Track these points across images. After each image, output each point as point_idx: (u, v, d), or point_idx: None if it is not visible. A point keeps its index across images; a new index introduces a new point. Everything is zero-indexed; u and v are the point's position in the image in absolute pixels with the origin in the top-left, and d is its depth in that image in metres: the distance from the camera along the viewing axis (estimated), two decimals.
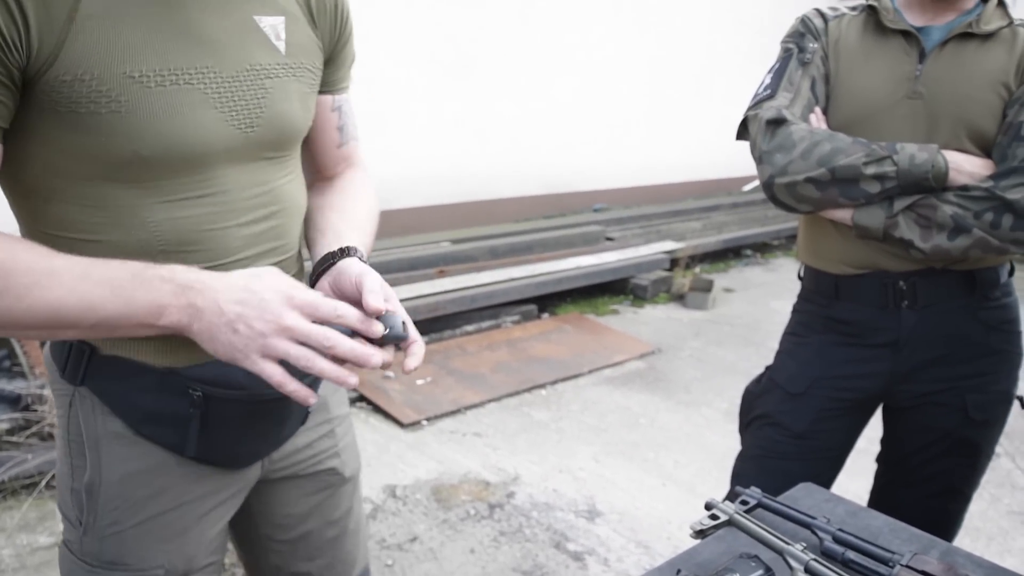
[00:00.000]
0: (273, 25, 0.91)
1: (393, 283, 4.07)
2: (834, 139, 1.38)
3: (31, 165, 0.83)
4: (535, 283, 4.49)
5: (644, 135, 6.54)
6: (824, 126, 1.45)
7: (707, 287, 5.00)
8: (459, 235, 5.06)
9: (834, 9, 1.53)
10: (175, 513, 0.97)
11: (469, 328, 4.24)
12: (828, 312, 1.54)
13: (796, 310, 1.64)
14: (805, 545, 0.92)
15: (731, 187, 7.67)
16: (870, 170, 1.34)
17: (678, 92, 6.68)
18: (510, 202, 5.76)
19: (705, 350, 4.23)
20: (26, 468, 2.49)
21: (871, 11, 1.46)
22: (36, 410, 2.76)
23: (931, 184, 1.33)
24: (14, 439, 2.75)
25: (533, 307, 4.55)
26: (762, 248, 6.59)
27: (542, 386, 3.62)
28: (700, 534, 0.98)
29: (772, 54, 1.57)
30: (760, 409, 1.62)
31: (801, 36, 1.52)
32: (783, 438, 1.57)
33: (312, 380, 0.96)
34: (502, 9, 5.33)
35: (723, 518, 0.99)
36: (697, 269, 5.47)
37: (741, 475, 1.64)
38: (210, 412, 0.93)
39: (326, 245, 0.99)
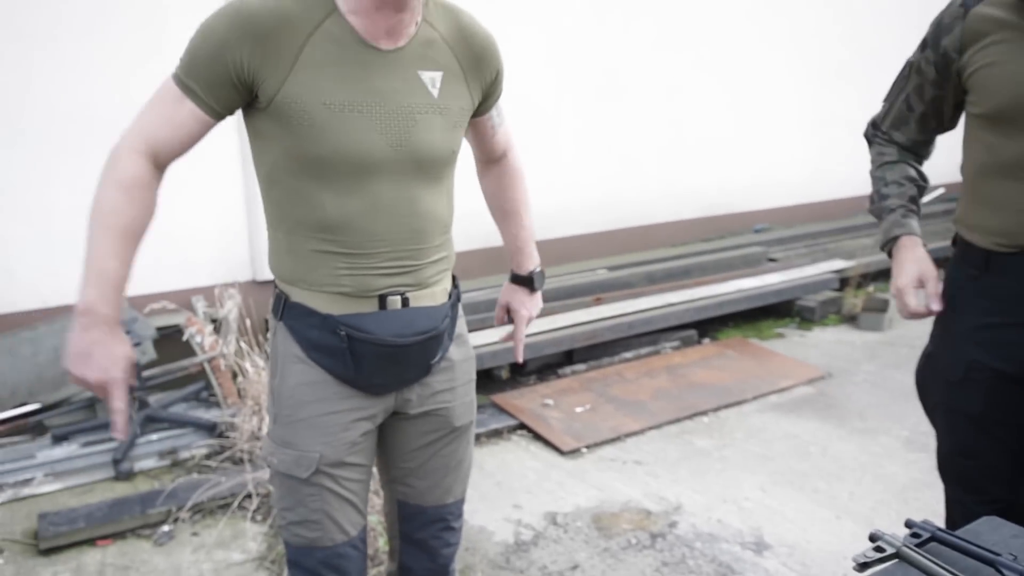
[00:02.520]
0: (432, 77, 1.29)
1: (550, 311, 4.12)
2: (878, 173, 1.66)
3: (267, 160, 1.27)
4: (694, 308, 4.39)
5: (805, 150, 6.27)
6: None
7: (882, 307, 4.69)
8: (615, 262, 5.05)
9: None
10: (329, 417, 1.34)
11: (627, 355, 4.21)
12: (977, 284, 1.51)
13: (947, 278, 1.61)
14: None
15: None
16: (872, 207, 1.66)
17: (839, 102, 6.35)
18: (665, 227, 5.68)
19: (881, 374, 3.96)
20: (220, 490, 2.73)
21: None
22: (229, 437, 3.03)
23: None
24: (210, 463, 3.03)
25: (693, 332, 4.45)
26: (944, 263, 6.10)
27: (704, 413, 3.53)
28: (863, 567, 0.92)
29: None
30: (934, 397, 1.62)
31: (919, 45, 1.56)
32: (964, 421, 1.54)
33: (433, 338, 1.37)
34: (648, 32, 5.32)
35: (889, 551, 0.93)
36: (870, 288, 5.15)
37: (945, 467, 1.64)
38: (353, 348, 1.29)
39: (514, 256, 1.67)
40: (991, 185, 1.46)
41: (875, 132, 1.70)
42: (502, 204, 1.64)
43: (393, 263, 1.30)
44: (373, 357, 1.31)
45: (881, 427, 3.36)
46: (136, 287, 3.65)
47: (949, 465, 1.62)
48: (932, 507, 2.66)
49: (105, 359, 1.20)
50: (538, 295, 1.71)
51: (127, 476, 2.96)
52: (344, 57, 1.20)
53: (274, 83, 1.18)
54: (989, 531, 1.05)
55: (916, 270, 1.51)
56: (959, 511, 1.57)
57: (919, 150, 1.67)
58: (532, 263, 1.68)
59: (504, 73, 1.46)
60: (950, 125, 1.60)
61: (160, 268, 3.75)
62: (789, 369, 4.01)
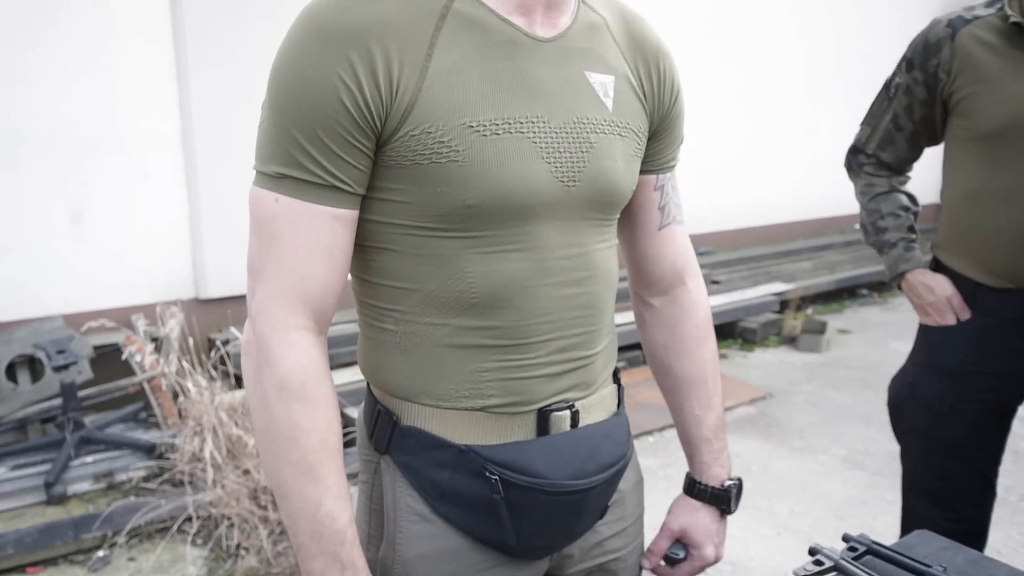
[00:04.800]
0: (603, 82, 0.90)
1: None
2: (871, 205, 1.66)
3: (366, 222, 0.85)
4: None
5: (748, 175, 6.44)
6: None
7: (820, 329, 4.82)
8: None
9: (968, 10, 1.48)
10: None
11: None
12: (966, 320, 1.54)
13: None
14: None
15: (843, 225, 7.40)
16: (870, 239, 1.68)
17: (782, 128, 6.56)
18: None
19: (820, 394, 4.07)
20: (159, 513, 2.65)
21: (1016, 27, 1.40)
22: (169, 458, 2.95)
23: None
24: (149, 486, 2.94)
25: (639, 353, 4.51)
26: (879, 287, 6.31)
27: (649, 432, 3.57)
28: None
29: (876, 86, 1.60)
30: (912, 423, 1.63)
31: (901, 65, 1.56)
32: (942, 449, 1.58)
33: (620, 471, 0.97)
34: None
35: (828, 564, 0.96)
36: (809, 310, 5.29)
37: (915, 484, 1.66)
38: (510, 498, 0.87)
39: (696, 453, 1.10)
40: (978, 213, 1.48)
41: (860, 160, 1.69)
42: (676, 367, 1.10)
43: (560, 356, 0.89)
44: (538, 511, 0.89)
45: (820, 446, 3.45)
46: (73, 304, 3.56)
47: (920, 484, 1.64)
48: (868, 523, 2.74)
49: None
50: (726, 523, 1.11)
51: (60, 500, 2.86)
52: (488, 48, 0.82)
53: (402, 106, 0.78)
54: (921, 544, 1.09)
55: (942, 295, 1.54)
56: (924, 526, 1.54)
57: (904, 167, 1.68)
58: (724, 467, 1.09)
59: (684, 107, 1.04)
60: (940, 139, 1.60)
61: (98, 285, 3.66)
62: (731, 389, 4.09)
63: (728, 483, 1.09)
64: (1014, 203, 1.42)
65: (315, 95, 0.76)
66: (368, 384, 0.96)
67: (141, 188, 3.70)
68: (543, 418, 0.89)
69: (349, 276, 0.89)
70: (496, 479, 0.86)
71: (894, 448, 3.31)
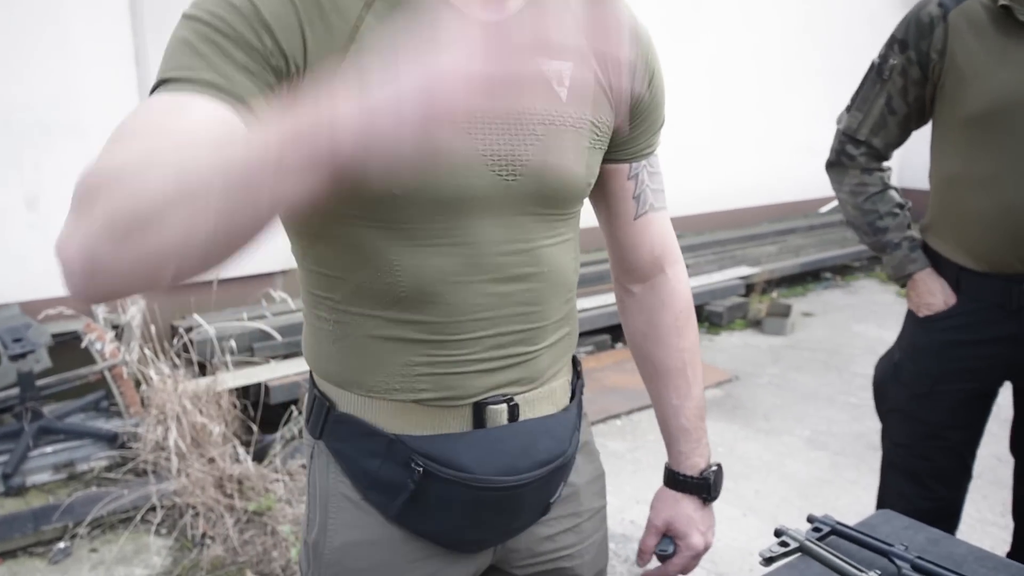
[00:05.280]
0: (557, 70, 0.82)
1: None
2: (867, 205, 1.64)
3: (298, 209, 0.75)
4: (607, 313, 4.47)
5: (714, 159, 6.48)
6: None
7: (785, 312, 4.88)
8: None
9: None
10: None
11: None
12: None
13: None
14: (881, 574, 0.89)
15: (807, 209, 7.50)
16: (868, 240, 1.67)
17: (747, 113, 6.60)
18: (580, 233, 5.76)
19: (784, 376, 4.13)
20: (122, 503, 2.61)
21: (1005, 10, 1.40)
22: (131, 447, 2.90)
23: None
24: (111, 475, 2.89)
25: (606, 337, 4.53)
26: (842, 271, 6.41)
27: (617, 416, 3.59)
28: (769, 561, 0.96)
29: (845, 72, 1.59)
30: (893, 403, 1.66)
31: (892, 46, 1.53)
32: (923, 429, 1.61)
33: (560, 468, 0.93)
34: None
35: (793, 545, 0.97)
36: (774, 294, 5.35)
37: (894, 462, 1.69)
38: (429, 489, 0.86)
39: (675, 443, 1.09)
40: (960, 197, 1.49)
41: (850, 151, 1.64)
42: (654, 355, 1.09)
43: (496, 352, 0.86)
44: (464, 505, 0.87)
45: (784, 427, 3.50)
46: (30, 291, 3.47)
47: (900, 462, 1.66)
48: (831, 502, 2.79)
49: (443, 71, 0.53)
50: (711, 510, 1.10)
51: (18, 491, 2.80)
52: (419, 34, 0.75)
53: (324, 64, 0.72)
54: (883, 523, 1.11)
55: (941, 300, 1.56)
56: (901, 504, 1.53)
57: (889, 153, 1.66)
58: (703, 456, 1.09)
59: (664, 87, 0.98)
60: (927, 120, 1.59)
61: (56, 272, 3.55)
62: None
63: (707, 471, 1.08)
64: (995, 189, 1.43)
65: (241, 21, 0.69)
66: (311, 370, 0.94)
67: None
68: (479, 411, 0.86)
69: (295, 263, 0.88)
70: (420, 470, 0.84)
71: (856, 429, 3.39)
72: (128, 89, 3.64)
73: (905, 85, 1.54)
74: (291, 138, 0.54)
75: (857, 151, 1.63)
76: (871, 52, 1.68)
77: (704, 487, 1.07)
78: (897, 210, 1.64)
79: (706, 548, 1.08)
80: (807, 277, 6.14)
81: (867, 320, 4.95)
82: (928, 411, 1.58)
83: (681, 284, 1.09)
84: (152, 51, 3.60)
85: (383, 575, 0.89)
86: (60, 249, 0.61)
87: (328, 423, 0.89)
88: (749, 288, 5.27)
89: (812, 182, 7.59)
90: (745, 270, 5.40)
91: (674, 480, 1.09)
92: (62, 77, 3.48)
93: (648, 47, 0.96)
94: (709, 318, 5.01)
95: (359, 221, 0.79)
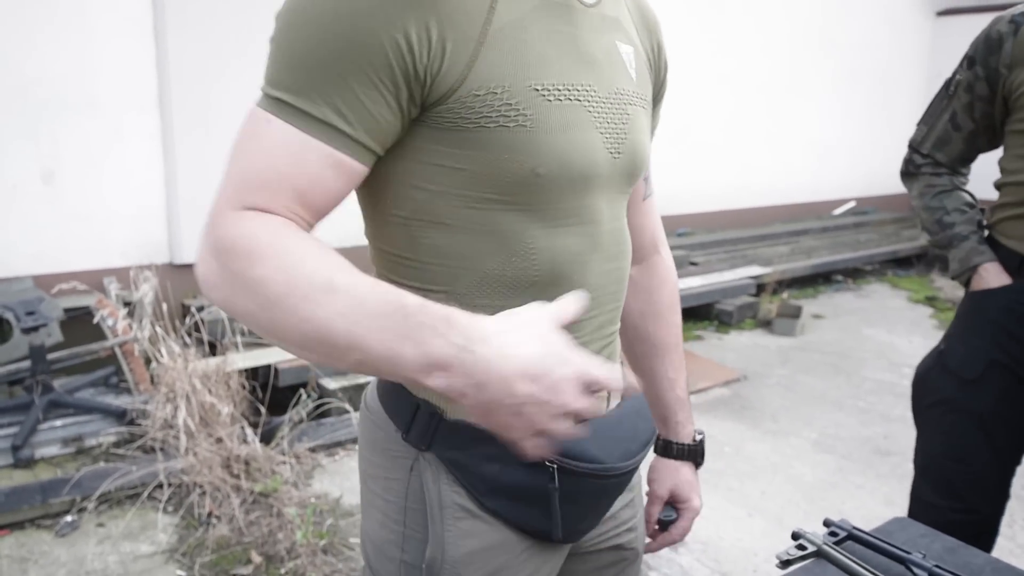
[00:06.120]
0: (628, 53, 0.87)
1: None
2: (934, 203, 1.63)
3: (417, 193, 0.78)
4: None
5: (729, 158, 6.45)
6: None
7: (795, 313, 4.87)
8: None
9: None
10: None
11: None
12: (1007, 288, 1.52)
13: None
14: None
15: (820, 211, 7.47)
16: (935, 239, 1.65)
17: (764, 115, 6.57)
18: None
19: (793, 378, 4.11)
20: (130, 479, 2.62)
21: None
22: (140, 424, 2.92)
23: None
24: (120, 451, 2.91)
25: None
26: (854, 274, 6.38)
27: None
28: (786, 564, 0.95)
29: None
30: (938, 394, 1.59)
31: (962, 64, 1.54)
32: (967, 422, 1.54)
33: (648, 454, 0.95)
34: None
35: (811, 549, 0.97)
36: (785, 295, 5.33)
37: (928, 468, 1.63)
38: (564, 486, 0.84)
39: (669, 415, 1.11)
40: None
41: (916, 161, 1.67)
42: (652, 332, 1.11)
43: (599, 332, 0.88)
44: (589, 496, 0.88)
45: (792, 429, 3.49)
46: (44, 265, 3.49)
47: (934, 467, 1.60)
48: (837, 506, 2.79)
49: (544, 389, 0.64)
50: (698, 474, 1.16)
51: (27, 463, 2.81)
52: (547, 10, 0.78)
53: (458, 66, 0.72)
54: (899, 530, 1.10)
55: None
56: (930, 515, 1.48)
57: (959, 168, 1.65)
58: (693, 424, 1.15)
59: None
60: (1000, 141, 1.57)
61: (70, 246, 3.58)
62: (707, 371, 4.12)
63: (698, 437, 1.15)
64: None
65: (356, 40, 0.68)
66: None
67: (115, 149, 3.61)
68: None
69: (377, 269, 0.85)
70: (554, 468, 0.82)
71: (864, 433, 3.38)
72: (146, 64, 3.64)
73: (971, 102, 1.54)
74: (400, 336, 0.64)
75: (923, 161, 1.65)
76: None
77: (699, 452, 1.14)
78: (966, 208, 1.61)
79: (700, 508, 1.15)
80: (818, 279, 6.12)
81: (877, 324, 4.92)
82: (976, 398, 1.52)
83: (672, 264, 1.15)
84: (171, 25, 3.59)
85: None
86: (197, 260, 0.72)
87: (439, 432, 0.84)
88: (760, 288, 5.26)
89: (825, 183, 7.56)
90: (756, 270, 5.38)
91: (672, 450, 1.14)
92: (79, 51, 3.48)
93: (660, 29, 0.99)
94: (719, 316, 5.00)
95: (496, 205, 0.78)
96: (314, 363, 0.72)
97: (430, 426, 0.84)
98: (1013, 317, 1.50)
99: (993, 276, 1.53)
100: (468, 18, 0.72)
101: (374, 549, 0.91)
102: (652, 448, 1.05)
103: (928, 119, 1.64)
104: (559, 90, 0.77)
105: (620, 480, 0.90)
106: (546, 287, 0.81)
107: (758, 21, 6.39)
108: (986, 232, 1.61)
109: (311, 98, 0.69)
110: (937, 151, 1.63)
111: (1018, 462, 1.57)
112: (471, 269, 0.80)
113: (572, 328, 0.81)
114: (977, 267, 1.55)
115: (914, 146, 1.67)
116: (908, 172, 1.70)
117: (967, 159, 1.64)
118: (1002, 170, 1.55)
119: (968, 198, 1.64)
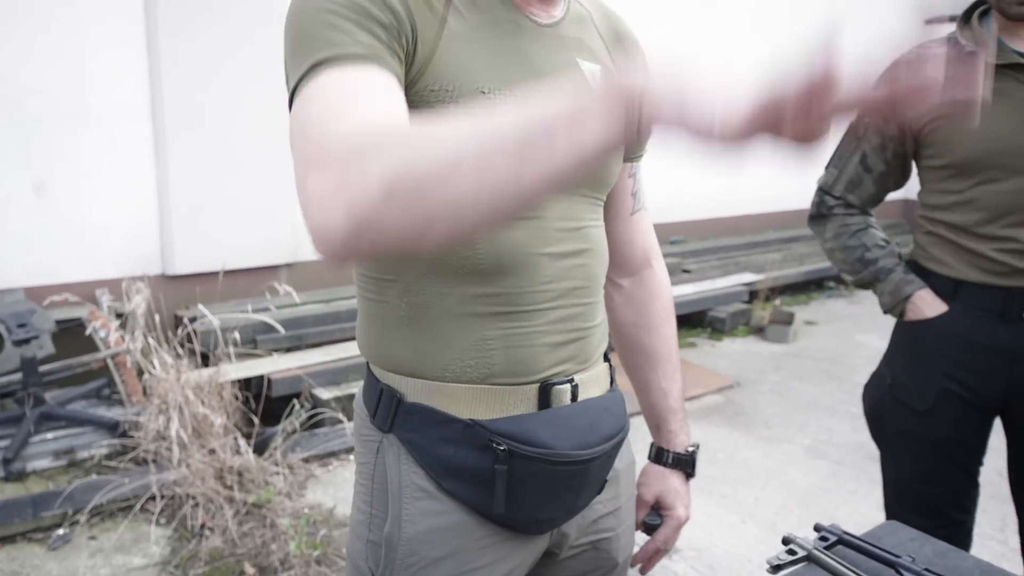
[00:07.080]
0: (591, 71, 0.92)
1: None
2: (852, 242, 1.63)
3: None
4: None
5: (721, 166, 6.47)
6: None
7: (788, 320, 4.88)
8: None
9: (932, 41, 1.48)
10: None
11: None
12: (945, 314, 1.53)
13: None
14: None
15: None
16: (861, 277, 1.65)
17: None
18: None
19: (786, 384, 4.12)
20: (123, 491, 2.61)
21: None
22: (132, 436, 2.91)
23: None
24: (112, 463, 2.90)
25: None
26: (846, 280, 6.40)
27: None
28: (776, 569, 0.96)
29: None
30: (894, 426, 1.61)
31: None
32: (931, 448, 1.56)
33: (619, 443, 0.98)
34: None
35: (801, 553, 0.97)
36: (777, 301, 5.35)
37: (903, 493, 1.64)
38: (514, 469, 0.88)
39: (662, 424, 1.16)
40: (957, 233, 1.49)
41: (828, 203, 1.66)
42: (645, 343, 1.15)
43: (561, 326, 0.91)
44: (542, 482, 0.90)
45: (785, 435, 3.49)
46: (35, 277, 3.48)
47: (906, 493, 1.62)
48: (830, 511, 2.79)
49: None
50: (689, 486, 1.18)
51: (18, 476, 2.80)
52: (496, 24, 0.86)
53: (421, 59, 0.79)
54: (889, 534, 1.11)
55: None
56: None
57: (868, 209, 1.66)
58: (687, 435, 1.17)
59: None
60: (908, 178, 1.59)
61: (62, 258, 3.57)
62: (699, 377, 4.12)
63: (690, 448, 1.17)
64: (995, 217, 1.44)
65: (357, 4, 0.74)
66: (368, 364, 0.96)
67: (108, 159, 3.61)
68: (544, 392, 0.90)
69: None
70: (504, 449, 0.87)
71: (856, 439, 3.39)
72: (138, 76, 3.64)
73: (883, 142, 1.54)
74: (602, 95, 0.59)
75: (835, 203, 1.65)
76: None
77: (689, 463, 1.16)
78: (883, 243, 1.63)
79: (686, 519, 1.16)
80: (811, 286, 6.14)
81: (869, 330, 4.94)
82: (932, 427, 1.55)
83: (666, 277, 1.18)
84: (163, 37, 3.60)
85: (458, 560, 0.91)
86: (315, 210, 0.61)
87: (399, 414, 0.91)
88: (752, 295, 5.27)
89: None
90: (749, 277, 5.40)
91: (663, 457, 1.17)
92: (71, 63, 3.48)
93: (639, 49, 1.04)
94: (712, 324, 5.01)
95: None
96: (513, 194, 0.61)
97: (390, 408, 0.91)
98: (956, 344, 1.51)
99: (928, 304, 1.55)
100: (426, 23, 0.79)
101: (351, 532, 0.97)
102: (635, 449, 1.09)
103: (837, 162, 1.63)
104: (503, 94, 0.83)
105: (574, 469, 0.92)
106: (493, 276, 0.86)
107: (750, 30, 6.43)
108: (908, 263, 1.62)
109: (335, 46, 0.71)
110: (849, 193, 1.62)
111: (981, 463, 1.60)
112: (417, 259, 0.86)
113: (529, 316, 0.88)
114: (910, 296, 1.56)
115: (825, 189, 1.66)
116: (820, 214, 1.68)
117: (877, 200, 1.64)
118: (923, 204, 1.56)
119: (883, 234, 1.65)
